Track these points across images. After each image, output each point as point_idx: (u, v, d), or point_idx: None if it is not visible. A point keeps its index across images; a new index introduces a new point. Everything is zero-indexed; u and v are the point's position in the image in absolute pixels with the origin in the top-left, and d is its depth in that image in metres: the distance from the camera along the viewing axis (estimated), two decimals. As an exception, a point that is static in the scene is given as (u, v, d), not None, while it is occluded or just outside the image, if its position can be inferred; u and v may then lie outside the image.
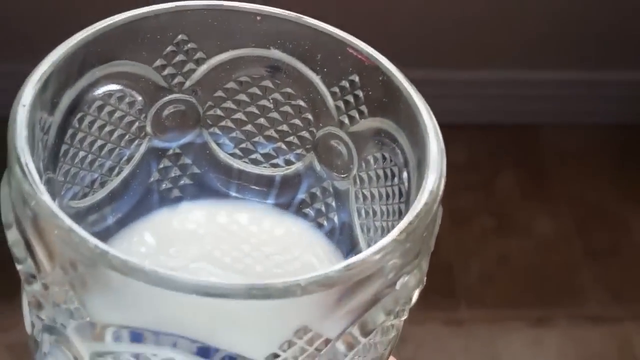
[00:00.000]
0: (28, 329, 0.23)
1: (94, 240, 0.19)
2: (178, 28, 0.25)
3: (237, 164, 0.29)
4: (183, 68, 0.26)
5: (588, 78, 1.18)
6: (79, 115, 0.25)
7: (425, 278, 0.24)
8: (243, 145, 0.28)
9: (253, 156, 0.29)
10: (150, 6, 0.25)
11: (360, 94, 0.26)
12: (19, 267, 0.21)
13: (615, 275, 1.06)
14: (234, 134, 0.28)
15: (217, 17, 0.25)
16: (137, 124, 0.27)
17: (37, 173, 0.20)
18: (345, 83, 0.26)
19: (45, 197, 0.20)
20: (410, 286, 0.22)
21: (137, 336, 0.20)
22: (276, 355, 0.20)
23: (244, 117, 0.28)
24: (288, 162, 0.28)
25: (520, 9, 1.10)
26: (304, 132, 0.28)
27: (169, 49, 0.26)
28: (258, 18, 0.25)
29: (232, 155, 0.29)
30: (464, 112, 1.16)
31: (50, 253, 0.20)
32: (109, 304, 0.20)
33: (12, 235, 0.21)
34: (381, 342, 0.23)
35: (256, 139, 0.28)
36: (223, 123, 0.28)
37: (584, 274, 1.05)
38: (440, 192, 0.22)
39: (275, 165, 0.29)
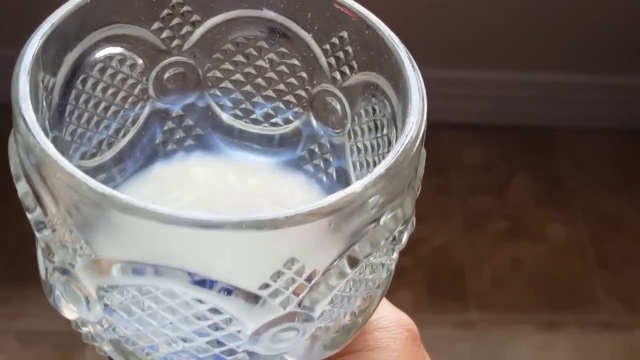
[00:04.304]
0: (42, 275, 0.25)
1: (95, 183, 0.20)
2: (174, -8, 0.27)
3: (238, 124, 0.30)
4: (180, 31, 0.28)
5: (607, 82, 1.16)
6: (81, 77, 0.26)
7: (414, 220, 0.25)
8: (243, 106, 0.30)
9: (253, 116, 0.30)
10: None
11: (350, 49, 0.27)
12: (29, 215, 0.23)
13: (627, 284, 1.05)
14: (233, 95, 0.29)
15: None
16: (139, 86, 0.28)
17: (39, 127, 0.22)
18: (335, 40, 0.27)
19: (48, 145, 0.21)
20: (394, 222, 0.23)
21: (138, 270, 0.21)
22: (267, 285, 0.21)
23: (242, 78, 0.29)
24: (286, 121, 0.30)
25: (542, 11, 1.10)
26: (300, 90, 0.29)
27: (165, 12, 0.27)
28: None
29: (234, 116, 0.30)
30: (480, 112, 1.15)
31: (55, 198, 0.21)
32: (112, 241, 0.21)
33: (22, 187, 0.22)
34: (372, 279, 0.24)
35: (255, 99, 0.29)
36: (223, 84, 0.29)
37: (596, 281, 1.05)
38: (420, 135, 0.23)
39: (275, 124, 0.30)
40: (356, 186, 0.21)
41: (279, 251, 0.21)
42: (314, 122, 0.29)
